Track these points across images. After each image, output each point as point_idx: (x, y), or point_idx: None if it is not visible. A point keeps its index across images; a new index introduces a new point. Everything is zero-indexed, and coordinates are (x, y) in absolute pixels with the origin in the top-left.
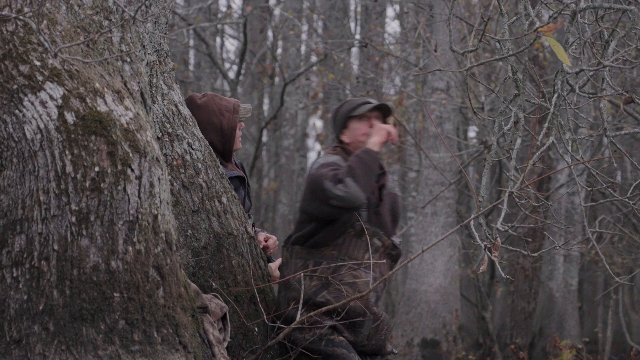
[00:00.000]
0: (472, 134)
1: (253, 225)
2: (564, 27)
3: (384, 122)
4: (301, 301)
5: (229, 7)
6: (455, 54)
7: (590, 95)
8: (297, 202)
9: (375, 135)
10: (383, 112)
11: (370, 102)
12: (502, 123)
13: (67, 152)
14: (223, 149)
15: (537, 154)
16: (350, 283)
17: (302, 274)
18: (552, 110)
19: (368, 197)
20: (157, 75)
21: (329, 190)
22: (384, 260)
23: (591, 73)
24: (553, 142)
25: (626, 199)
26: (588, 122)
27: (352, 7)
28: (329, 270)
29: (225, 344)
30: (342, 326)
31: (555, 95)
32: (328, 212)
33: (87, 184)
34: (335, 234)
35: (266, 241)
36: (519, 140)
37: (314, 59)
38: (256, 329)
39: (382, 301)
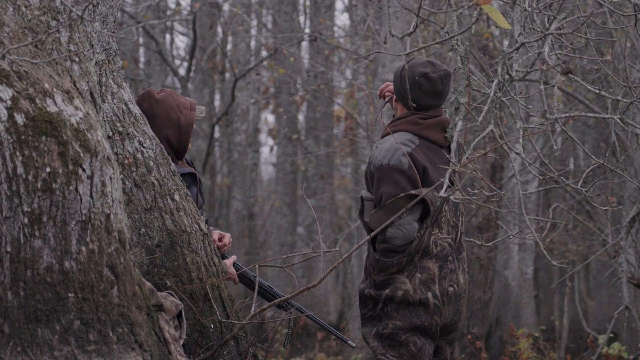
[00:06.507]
0: None
1: (206, 222)
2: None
3: None
4: None
5: (178, 4)
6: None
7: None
8: (251, 198)
9: None
10: None
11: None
12: (454, 113)
13: (17, 153)
14: (179, 145)
15: (476, 139)
16: None
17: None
18: (491, 95)
19: None
20: (106, 74)
21: None
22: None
23: (536, 49)
24: (500, 129)
25: (578, 187)
26: (539, 111)
27: (301, 1)
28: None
29: (182, 342)
30: None
31: (496, 81)
32: None
33: (39, 185)
34: None
35: (220, 239)
36: (459, 124)
37: (264, 54)
38: (212, 325)
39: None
